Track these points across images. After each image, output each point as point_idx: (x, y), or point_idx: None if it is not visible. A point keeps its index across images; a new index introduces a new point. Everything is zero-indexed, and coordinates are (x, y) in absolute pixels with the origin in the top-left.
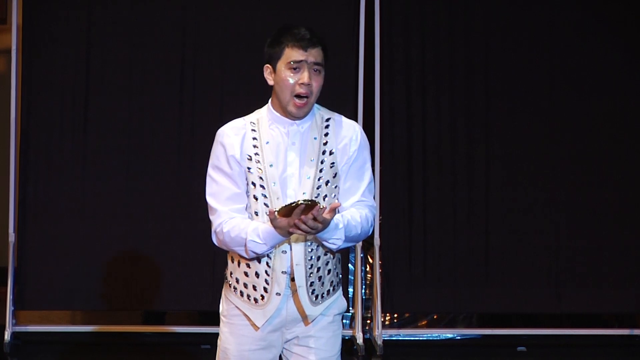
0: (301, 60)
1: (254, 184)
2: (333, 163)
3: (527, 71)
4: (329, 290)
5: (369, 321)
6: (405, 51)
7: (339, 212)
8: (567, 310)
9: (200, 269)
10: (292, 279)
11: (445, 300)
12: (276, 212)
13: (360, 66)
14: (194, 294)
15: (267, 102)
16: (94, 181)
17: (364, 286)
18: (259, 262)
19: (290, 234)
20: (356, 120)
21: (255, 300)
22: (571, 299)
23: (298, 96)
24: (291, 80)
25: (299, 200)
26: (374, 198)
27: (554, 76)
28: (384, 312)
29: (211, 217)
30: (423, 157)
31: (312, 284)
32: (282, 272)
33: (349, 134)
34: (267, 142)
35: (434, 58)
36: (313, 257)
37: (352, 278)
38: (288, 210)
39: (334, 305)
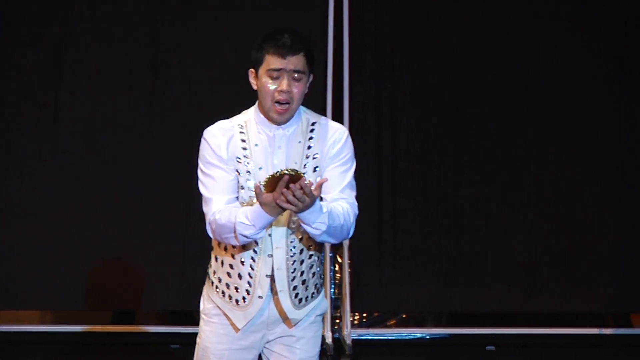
0: (280, 69)
1: (242, 187)
2: (316, 167)
3: (498, 72)
4: (313, 293)
5: (338, 320)
6: (374, 51)
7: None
8: (536, 310)
9: (170, 269)
10: (274, 282)
11: (414, 300)
12: (262, 186)
13: (329, 67)
14: (164, 293)
15: (246, 103)
16: (64, 181)
17: (333, 286)
18: (243, 264)
19: (279, 213)
20: None
21: (237, 301)
22: (541, 299)
23: (278, 102)
24: (271, 87)
25: (282, 170)
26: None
27: (525, 77)
28: (353, 311)
29: (205, 209)
30: (393, 157)
31: (295, 287)
32: (266, 275)
33: (333, 137)
34: (256, 145)
35: (404, 58)
36: (296, 261)
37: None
38: (273, 183)
39: (315, 306)
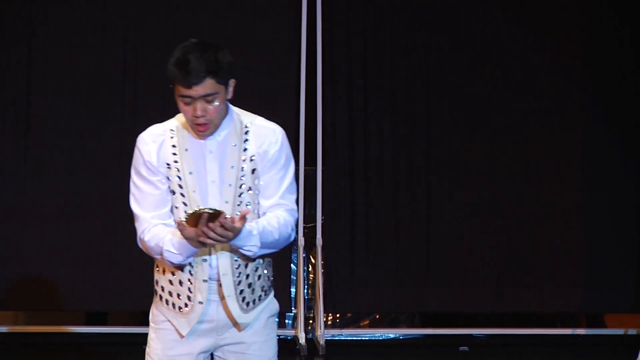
0: (189, 96)
1: (173, 192)
2: (254, 169)
3: (468, 72)
4: (260, 296)
5: (311, 321)
6: (347, 52)
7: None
8: (509, 310)
9: (142, 269)
10: (220, 286)
11: (387, 300)
12: (184, 222)
13: (303, 67)
14: (137, 294)
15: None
16: (35, 182)
17: (306, 286)
18: (182, 270)
19: (203, 244)
20: (298, 122)
21: (180, 308)
22: (513, 299)
23: (197, 124)
24: (187, 113)
25: (203, 208)
26: (297, 201)
27: (495, 77)
28: (326, 312)
29: (135, 224)
30: (365, 157)
31: (242, 292)
32: (204, 280)
33: (268, 138)
34: (187, 150)
35: (376, 58)
36: (241, 265)
37: (295, 278)
38: (194, 219)
39: (266, 308)
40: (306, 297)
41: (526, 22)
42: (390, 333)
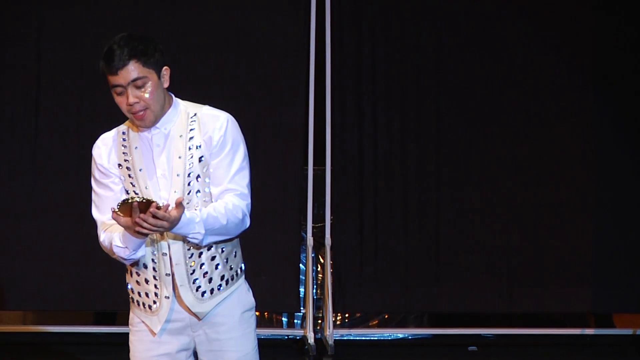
0: (118, 85)
1: (127, 191)
2: (202, 157)
3: (477, 72)
4: (220, 285)
5: (320, 321)
6: (356, 52)
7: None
8: (518, 310)
9: None
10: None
11: (396, 300)
12: (117, 211)
13: (311, 67)
14: None
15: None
16: (45, 181)
17: (315, 286)
18: (146, 268)
19: (143, 234)
20: (307, 122)
21: (150, 307)
22: (522, 299)
23: (135, 112)
24: (121, 104)
25: (132, 197)
26: (249, 187)
27: (505, 77)
28: (335, 312)
29: (98, 231)
30: (374, 157)
31: (195, 281)
32: (166, 274)
33: (213, 125)
34: (136, 148)
35: (385, 58)
36: (194, 254)
37: (304, 278)
38: (127, 209)
39: (237, 303)
40: (315, 297)
41: (536, 22)
42: (399, 333)
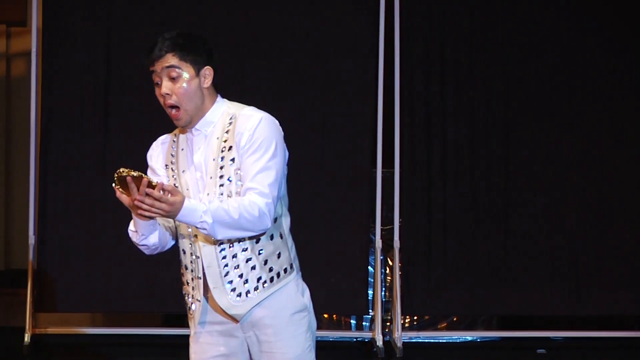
0: (154, 72)
1: None
2: (233, 159)
3: (547, 73)
4: (256, 287)
5: (388, 323)
6: (424, 53)
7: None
8: (586, 313)
9: None
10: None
11: (464, 303)
12: (116, 187)
13: (380, 70)
14: None
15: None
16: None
17: (383, 288)
18: (187, 269)
19: (147, 217)
20: (375, 124)
21: (189, 309)
22: (591, 301)
23: (170, 107)
24: (159, 98)
25: (126, 170)
26: (275, 187)
27: (575, 78)
28: (403, 314)
29: None
30: (443, 160)
31: (231, 282)
32: (198, 277)
33: (244, 125)
34: (182, 149)
35: (453, 60)
36: (227, 256)
37: (372, 280)
38: (124, 184)
39: (285, 305)
40: (383, 300)
41: (608, 25)
42: (468, 336)
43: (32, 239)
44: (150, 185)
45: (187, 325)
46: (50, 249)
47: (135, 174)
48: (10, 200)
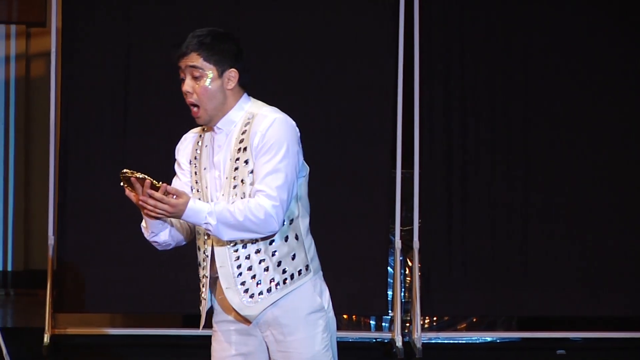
0: (179, 68)
1: (192, 188)
2: (247, 160)
3: (566, 75)
4: (269, 289)
5: (408, 324)
6: (444, 55)
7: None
8: (606, 314)
9: None
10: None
11: (484, 304)
12: (122, 183)
13: (400, 70)
14: None
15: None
16: None
17: (403, 289)
18: (200, 266)
19: (153, 217)
20: (395, 125)
21: (200, 304)
22: (611, 302)
23: (190, 105)
24: (183, 93)
25: (131, 172)
26: (284, 190)
27: (594, 80)
28: (423, 315)
29: None
30: (462, 161)
31: (243, 283)
32: (205, 276)
33: (258, 125)
34: (206, 146)
35: (473, 61)
36: (241, 256)
37: (392, 281)
38: (129, 183)
39: (300, 305)
40: (403, 300)
41: (627, 26)
42: (488, 336)
43: (51, 240)
44: (153, 186)
45: (207, 326)
46: (69, 250)
47: (139, 175)
48: (30, 200)
